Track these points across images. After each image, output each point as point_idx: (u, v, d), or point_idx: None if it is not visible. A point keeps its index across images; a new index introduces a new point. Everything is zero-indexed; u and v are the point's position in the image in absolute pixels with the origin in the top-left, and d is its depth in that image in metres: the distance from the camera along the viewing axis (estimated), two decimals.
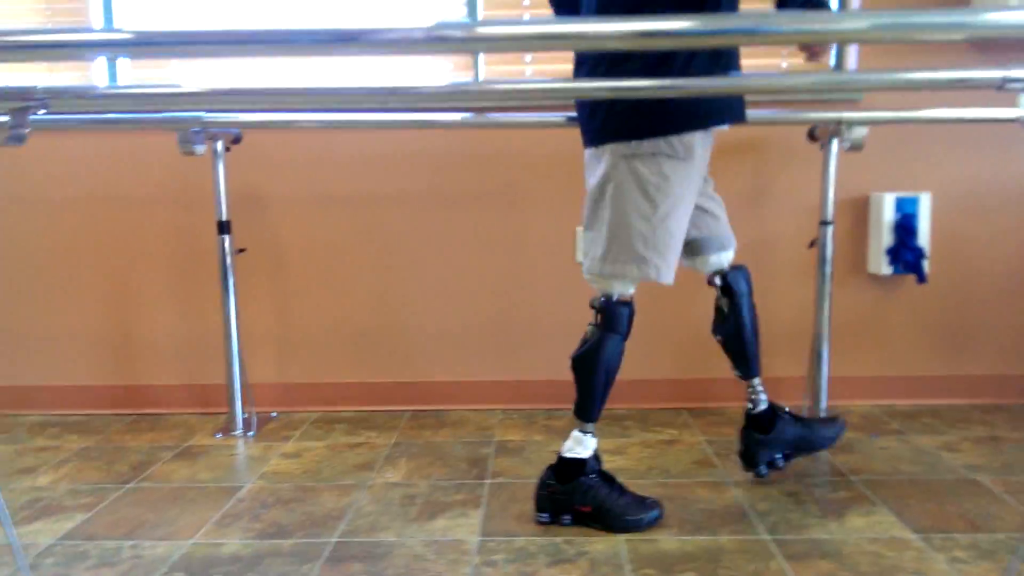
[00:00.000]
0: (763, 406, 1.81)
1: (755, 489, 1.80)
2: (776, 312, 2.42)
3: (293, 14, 2.38)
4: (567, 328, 2.42)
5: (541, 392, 2.46)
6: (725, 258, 1.76)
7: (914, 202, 2.28)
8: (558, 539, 1.57)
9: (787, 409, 1.84)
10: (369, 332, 2.46)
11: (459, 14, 2.36)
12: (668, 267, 1.59)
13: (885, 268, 2.31)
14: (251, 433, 2.27)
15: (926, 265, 2.30)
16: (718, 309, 1.78)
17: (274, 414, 2.45)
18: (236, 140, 2.25)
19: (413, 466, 1.98)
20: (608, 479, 1.66)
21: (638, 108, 1.51)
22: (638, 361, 2.45)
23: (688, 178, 1.55)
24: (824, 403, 2.23)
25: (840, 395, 2.42)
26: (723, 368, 2.43)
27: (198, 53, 1.08)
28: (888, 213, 2.29)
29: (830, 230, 2.16)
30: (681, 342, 2.45)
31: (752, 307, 1.77)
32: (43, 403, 2.50)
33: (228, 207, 2.20)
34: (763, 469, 1.81)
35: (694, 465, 1.96)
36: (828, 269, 2.16)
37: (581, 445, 1.65)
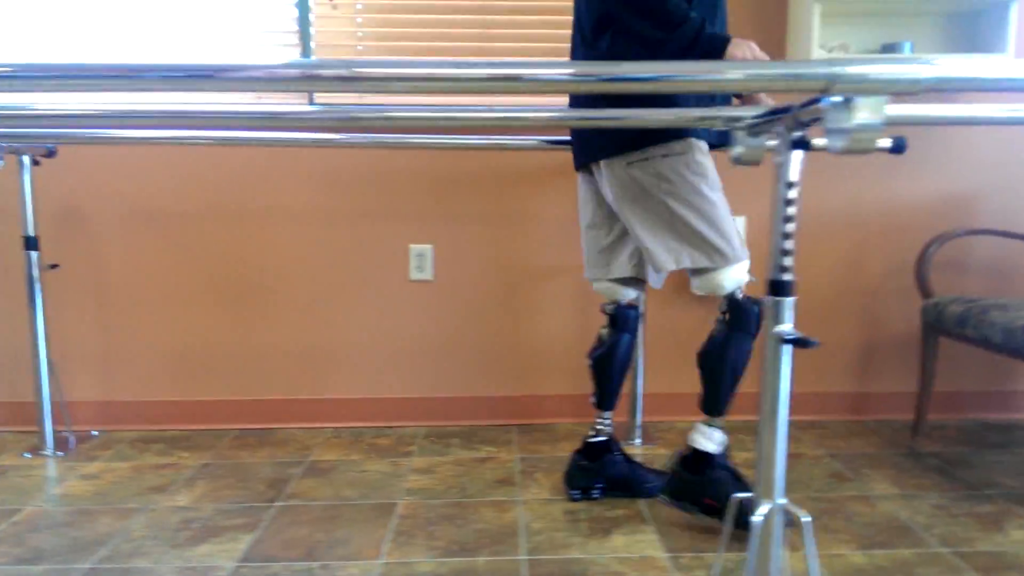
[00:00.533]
0: (601, 437, 1.86)
1: (540, 507, 1.81)
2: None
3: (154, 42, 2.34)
4: (398, 346, 2.42)
5: (367, 410, 2.45)
6: (625, 294, 1.84)
7: None
8: (314, 564, 1.56)
9: (621, 449, 1.89)
10: (196, 349, 2.42)
11: (289, 42, 2.35)
12: (714, 250, 1.62)
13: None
14: (61, 453, 2.21)
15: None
16: (599, 335, 1.86)
17: (95, 433, 2.39)
18: (50, 154, 2.20)
19: (208, 488, 1.95)
20: (737, 476, 1.67)
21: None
22: (470, 378, 2.46)
23: (693, 171, 1.61)
24: (639, 419, 2.27)
25: (657, 411, 2.47)
26: (556, 385, 2.47)
27: (41, 88, 1.01)
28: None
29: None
30: (515, 359, 2.47)
31: (628, 348, 1.84)
32: None
33: (36, 222, 2.15)
34: (576, 494, 1.86)
35: (495, 484, 1.97)
36: None
37: (707, 438, 1.67)
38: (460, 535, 1.67)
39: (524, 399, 2.48)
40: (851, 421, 2.49)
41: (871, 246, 2.45)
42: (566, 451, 2.21)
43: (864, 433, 2.37)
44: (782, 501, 1.17)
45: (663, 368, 2.46)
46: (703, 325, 2.45)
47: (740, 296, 1.63)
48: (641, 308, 2.02)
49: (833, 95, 0.89)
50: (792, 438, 2.32)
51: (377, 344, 2.42)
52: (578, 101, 1.75)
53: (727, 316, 1.63)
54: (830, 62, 0.86)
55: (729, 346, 1.63)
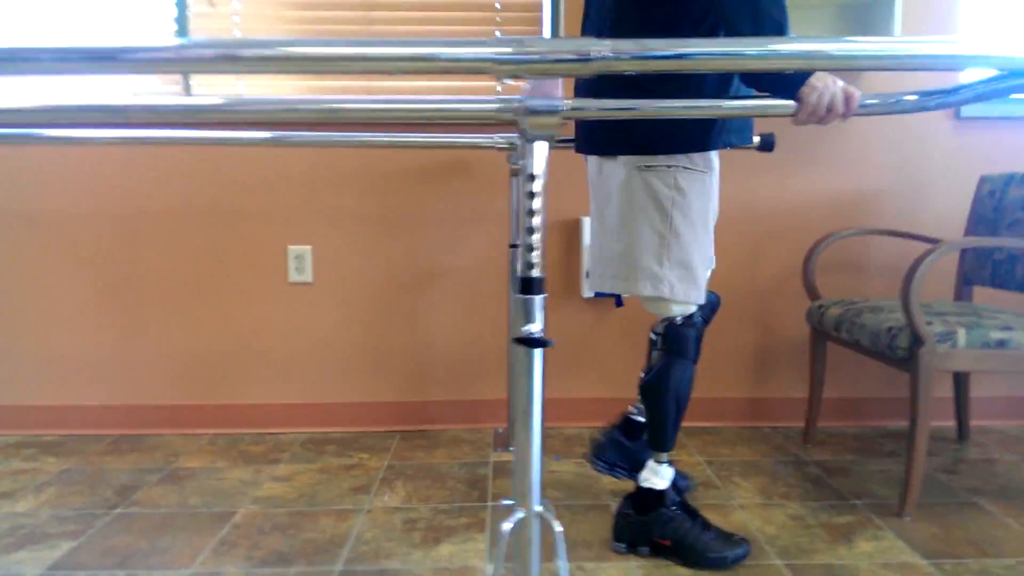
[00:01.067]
0: (643, 418, 1.73)
1: (383, 516, 1.76)
2: (480, 334, 2.40)
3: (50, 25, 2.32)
4: (279, 350, 2.37)
5: (247, 416, 2.40)
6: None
7: None
8: (121, 573, 1.51)
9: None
10: (75, 352, 2.37)
11: (168, 30, 2.32)
12: (687, 285, 1.47)
13: (586, 291, 2.31)
14: None
15: None
16: (649, 354, 1.67)
17: None
18: None
19: (55, 495, 1.90)
20: (691, 512, 1.58)
21: (655, 122, 1.42)
22: (353, 383, 2.41)
23: (704, 193, 1.47)
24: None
25: (557, 417, 2.41)
26: (442, 391, 2.41)
27: None
28: (587, 237, 2.29)
29: (519, 252, 2.16)
30: (400, 363, 2.41)
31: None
32: None
33: None
34: (600, 465, 1.75)
35: (348, 492, 1.91)
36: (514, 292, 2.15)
37: (657, 475, 1.58)
38: (285, 545, 1.62)
39: (409, 405, 2.42)
40: (746, 427, 2.42)
41: (766, 247, 2.39)
42: (442, 458, 2.15)
43: (755, 440, 2.30)
44: (537, 508, 1.11)
45: (556, 373, 2.40)
46: (598, 327, 2.39)
47: (678, 320, 1.53)
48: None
49: (504, 79, 0.83)
50: (677, 444, 2.25)
51: (257, 348, 2.37)
52: (592, 86, 1.48)
53: (662, 341, 1.54)
54: (499, 40, 0.80)
55: (670, 374, 1.52)
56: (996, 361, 1.69)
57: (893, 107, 1.15)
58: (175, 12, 2.31)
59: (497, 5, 2.29)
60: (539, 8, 2.30)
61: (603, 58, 0.81)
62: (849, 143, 2.34)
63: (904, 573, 1.48)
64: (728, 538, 1.56)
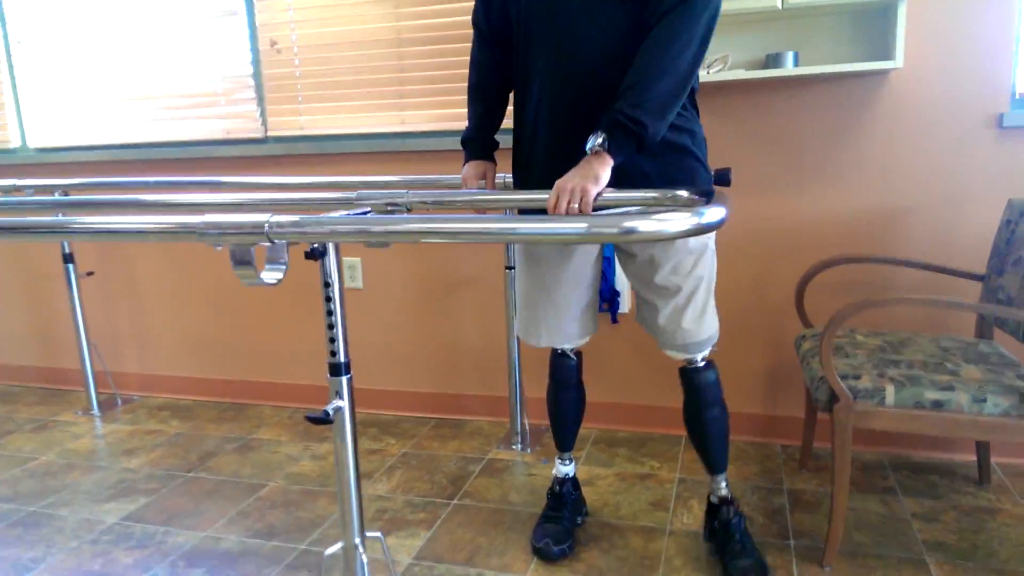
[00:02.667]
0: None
1: (366, 503, 2.12)
2: (503, 337, 2.63)
3: None
4: None
5: (312, 395, 2.89)
6: (676, 355, 1.68)
7: (610, 244, 2.36)
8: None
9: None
10: (191, 333, 3.02)
11: (246, 70, 2.77)
12: (524, 327, 1.76)
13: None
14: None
15: (623, 304, 2.39)
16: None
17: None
18: None
19: (159, 454, 2.53)
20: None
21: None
22: (400, 373, 2.79)
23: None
24: (520, 421, 2.45)
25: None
26: (472, 385, 2.70)
27: None
28: None
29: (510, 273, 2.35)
30: (438, 359, 2.74)
31: (715, 407, 1.69)
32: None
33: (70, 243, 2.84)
34: None
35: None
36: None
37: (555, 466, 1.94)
38: (279, 520, 2.05)
39: (442, 396, 2.76)
40: (756, 443, 2.42)
41: (777, 266, 2.31)
42: (450, 450, 2.47)
43: (754, 459, 2.30)
44: (356, 541, 1.39)
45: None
46: (607, 335, 2.51)
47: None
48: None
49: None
50: (666, 456, 2.34)
51: (323, 340, 2.85)
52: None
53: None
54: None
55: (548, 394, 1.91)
56: (927, 424, 1.59)
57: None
58: (250, 56, 2.75)
59: None
60: None
61: None
62: (876, 156, 2.16)
63: None
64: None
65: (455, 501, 2.12)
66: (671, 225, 1.10)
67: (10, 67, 3.04)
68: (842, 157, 2.18)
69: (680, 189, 1.45)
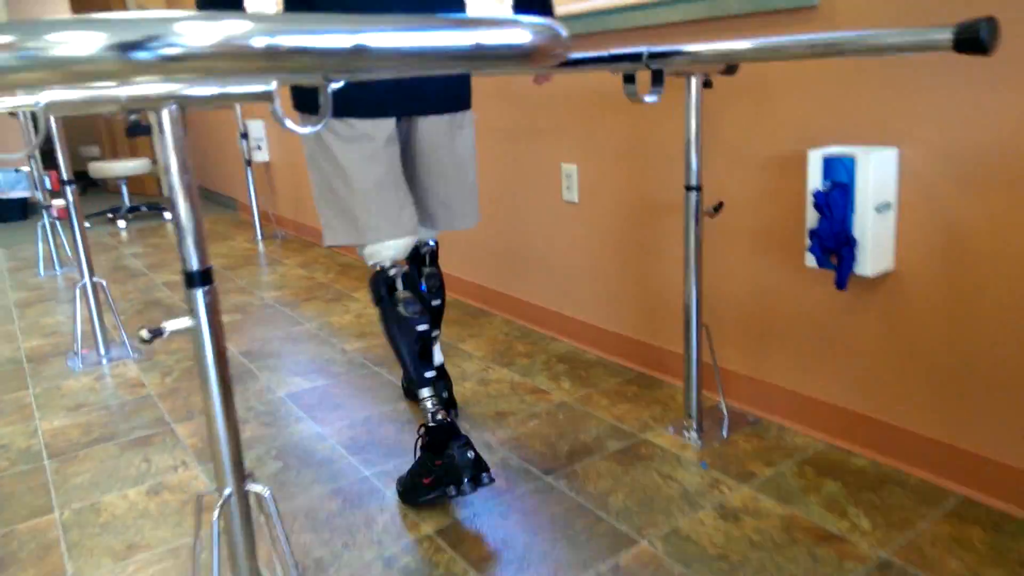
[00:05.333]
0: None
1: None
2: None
3: None
4: (548, 258, 2.44)
5: (528, 312, 2.57)
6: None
7: (847, 164, 1.46)
8: None
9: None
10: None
11: None
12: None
13: (809, 259, 1.58)
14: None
15: (862, 262, 1.47)
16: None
17: None
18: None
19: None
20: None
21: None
22: (605, 310, 2.32)
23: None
24: (696, 399, 1.79)
25: (786, 415, 1.81)
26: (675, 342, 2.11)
27: None
28: (814, 179, 1.53)
29: (694, 197, 1.66)
30: (643, 301, 2.18)
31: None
32: None
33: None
34: None
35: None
36: (692, 242, 1.68)
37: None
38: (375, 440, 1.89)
39: (644, 345, 2.18)
40: None
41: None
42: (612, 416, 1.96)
43: None
44: (251, 488, 1.12)
45: (792, 365, 1.79)
46: (835, 308, 1.65)
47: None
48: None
49: None
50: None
51: (539, 255, 2.50)
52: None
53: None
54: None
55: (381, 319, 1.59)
56: None
57: None
58: None
59: None
60: None
61: None
62: None
63: None
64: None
65: (548, 479, 1.66)
66: None
67: None
68: None
69: None
